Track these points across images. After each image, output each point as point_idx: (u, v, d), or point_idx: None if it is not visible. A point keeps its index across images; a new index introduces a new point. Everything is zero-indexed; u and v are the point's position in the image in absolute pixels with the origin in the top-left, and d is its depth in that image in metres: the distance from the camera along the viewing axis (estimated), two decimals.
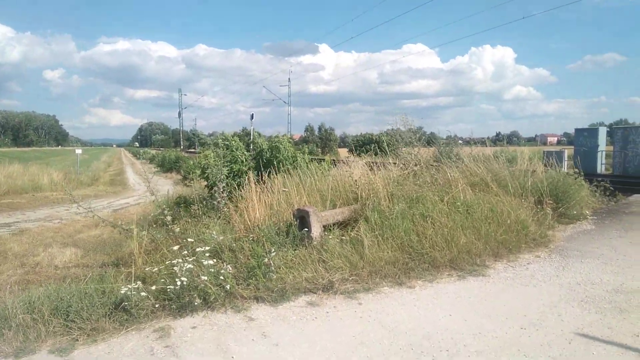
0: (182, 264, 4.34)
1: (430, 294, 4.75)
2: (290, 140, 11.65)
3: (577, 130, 22.47)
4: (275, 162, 9.31)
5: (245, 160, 9.61)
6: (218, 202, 7.87)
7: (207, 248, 4.74)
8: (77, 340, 3.79)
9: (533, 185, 7.58)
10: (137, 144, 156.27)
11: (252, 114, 54.20)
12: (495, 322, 4.05)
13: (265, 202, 6.74)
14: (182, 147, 67.61)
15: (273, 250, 4.96)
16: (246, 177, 8.71)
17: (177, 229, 6.60)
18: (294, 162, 9.63)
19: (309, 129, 67.49)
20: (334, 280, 4.85)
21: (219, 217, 7.35)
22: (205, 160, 9.62)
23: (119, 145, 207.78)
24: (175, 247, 4.82)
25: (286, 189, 7.07)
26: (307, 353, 3.54)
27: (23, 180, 24.90)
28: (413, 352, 3.55)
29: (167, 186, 22.65)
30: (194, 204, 8.69)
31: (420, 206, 6.29)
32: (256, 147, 10.71)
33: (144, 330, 3.95)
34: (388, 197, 6.66)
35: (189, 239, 5.26)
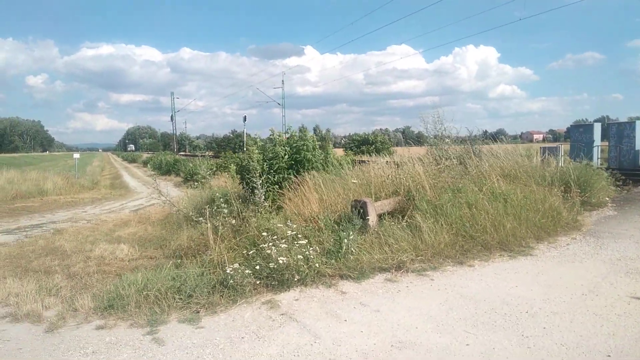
0: (277, 246, 4.84)
1: (490, 271, 5.32)
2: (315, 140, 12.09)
3: (572, 126, 23.31)
4: (305, 162, 9.76)
5: (284, 157, 9.99)
6: (259, 197, 8.34)
7: (294, 233, 5.25)
8: (199, 312, 4.29)
9: (558, 175, 8.22)
10: (132, 146, 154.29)
11: (245, 116, 54.21)
12: (558, 291, 4.62)
13: (318, 197, 7.24)
14: (176, 150, 67.56)
15: (351, 234, 5.48)
16: (286, 174, 9.21)
17: (235, 221, 7.12)
18: (326, 161, 10.13)
19: (302, 130, 67.74)
20: (404, 260, 5.39)
21: (259, 211, 7.82)
22: (248, 159, 9.94)
23: (105, 150, 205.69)
24: (264, 232, 5.31)
25: (355, 181, 7.58)
26: (407, 316, 4.08)
27: (27, 185, 25.00)
28: (497, 314, 4.11)
29: (169, 188, 22.97)
30: (232, 201, 9.11)
31: (463, 195, 6.85)
32: (285, 147, 11.14)
33: (254, 304, 4.46)
34: (430, 189, 7.22)
35: (265, 229, 5.75)
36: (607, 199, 8.66)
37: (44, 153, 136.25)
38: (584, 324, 3.85)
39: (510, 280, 4.99)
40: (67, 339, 3.89)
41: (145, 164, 58.15)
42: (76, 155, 38.78)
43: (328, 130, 65.17)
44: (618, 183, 9.79)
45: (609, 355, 3.30)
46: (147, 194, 24.17)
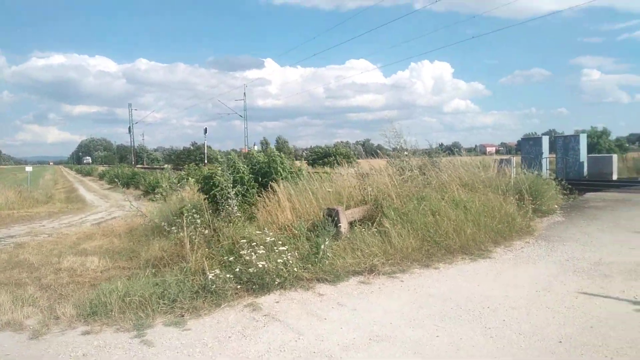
0: (256, 252, 5.08)
1: (454, 272, 5.74)
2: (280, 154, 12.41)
3: (522, 139, 24.61)
4: (274, 173, 10.07)
5: (245, 171, 10.30)
6: (232, 208, 8.55)
7: (272, 239, 5.50)
8: (183, 316, 4.47)
9: (512, 185, 8.86)
10: (88, 159, 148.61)
11: (206, 129, 53.85)
12: (515, 289, 5.08)
13: (290, 206, 7.52)
14: (134, 163, 66.03)
15: (327, 240, 5.78)
16: (250, 187, 9.47)
17: (207, 231, 7.29)
18: (297, 173, 10.47)
19: (264, 143, 68.19)
20: (375, 263, 5.75)
21: (232, 221, 8.02)
22: (212, 173, 10.14)
23: (56, 163, 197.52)
24: (243, 241, 5.54)
25: (330, 190, 7.88)
26: (382, 314, 4.42)
27: None
28: (462, 309, 4.50)
29: (127, 202, 22.58)
30: (203, 212, 9.25)
31: (427, 204, 7.31)
32: (252, 160, 11.41)
33: (236, 307, 4.68)
34: (396, 197, 7.64)
35: (241, 237, 5.97)
36: (556, 206, 9.40)
37: None
38: (539, 316, 4.29)
39: (473, 280, 5.42)
40: (54, 344, 3.98)
41: (101, 177, 56.45)
42: (28, 169, 37.43)
43: (285, 141, 65.45)
44: (565, 192, 10.58)
45: (560, 341, 3.73)
46: (106, 207, 23.65)
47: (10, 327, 4.44)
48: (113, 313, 4.52)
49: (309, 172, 10.38)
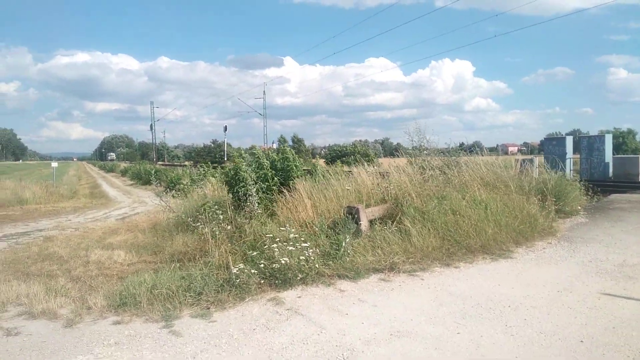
0: (282, 248, 5.20)
1: (474, 272, 5.77)
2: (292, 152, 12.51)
3: (545, 139, 24.25)
4: (291, 172, 10.19)
5: (268, 167, 10.41)
6: (253, 205, 8.69)
7: (295, 236, 5.61)
8: (209, 308, 4.61)
9: (535, 185, 8.80)
10: (113, 155, 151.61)
11: (225, 126, 54.37)
12: (536, 288, 5.09)
13: (311, 203, 7.62)
14: (155, 159, 67.07)
15: (347, 237, 5.87)
16: (272, 183, 9.59)
17: (230, 227, 7.43)
18: (312, 170, 10.56)
19: (282, 140, 68.34)
20: (395, 261, 5.81)
21: (253, 218, 8.16)
22: (237, 168, 10.29)
23: (80, 159, 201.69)
24: (269, 236, 5.67)
25: (349, 187, 7.98)
26: (402, 311, 4.48)
27: (6, 194, 24.69)
28: (483, 308, 4.54)
29: (149, 198, 22.99)
30: (225, 209, 9.42)
31: (447, 203, 7.32)
32: (270, 157, 11.54)
33: (260, 301, 4.80)
34: (417, 196, 7.68)
35: (265, 233, 6.10)
36: (580, 207, 9.30)
37: (17, 162, 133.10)
38: (560, 316, 4.30)
39: (493, 279, 5.44)
40: (87, 333, 4.16)
41: (123, 173, 57.55)
42: (54, 164, 38.32)
43: (302, 140, 65.60)
44: (589, 193, 10.44)
45: (581, 341, 3.74)
46: (129, 203, 24.14)
47: (45, 316, 4.65)
48: (142, 304, 4.69)
49: (327, 170, 10.45)
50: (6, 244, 10.50)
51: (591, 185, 10.67)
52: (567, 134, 25.61)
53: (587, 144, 21.04)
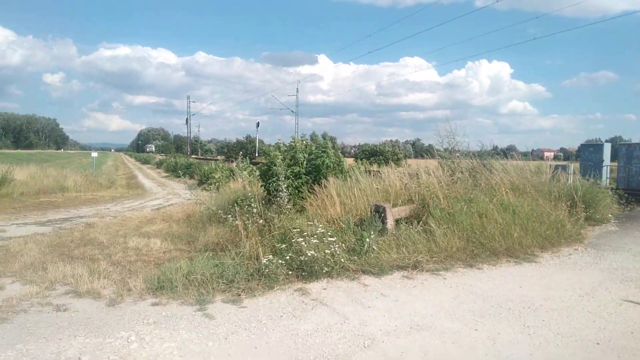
0: (309, 241, 5.45)
1: (497, 274, 5.88)
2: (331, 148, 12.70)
3: (582, 145, 23.66)
4: (323, 168, 10.37)
5: (302, 163, 10.64)
6: (283, 200, 8.97)
7: (323, 231, 5.85)
8: (240, 295, 4.91)
9: (565, 191, 8.78)
10: (152, 147, 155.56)
11: (258, 122, 55.01)
12: (557, 292, 5.17)
13: (340, 200, 7.85)
14: (190, 153, 68.65)
15: (373, 234, 6.08)
16: (304, 180, 9.84)
17: (261, 220, 7.73)
18: (340, 167, 10.74)
19: (313, 138, 68.79)
20: (419, 260, 5.98)
21: (283, 212, 8.43)
22: (269, 164, 10.55)
23: (117, 150, 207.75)
24: (296, 230, 5.93)
25: (378, 187, 8.19)
26: (423, 306, 4.66)
27: (49, 181, 25.83)
28: (502, 308, 4.67)
29: (183, 190, 23.67)
30: (256, 203, 9.73)
31: (474, 206, 7.42)
32: (306, 150, 11.73)
33: (287, 290, 5.08)
34: (444, 198, 7.80)
35: (295, 227, 6.36)
36: (611, 215, 9.21)
37: (59, 151, 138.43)
38: (579, 319, 4.40)
39: (515, 282, 5.54)
40: (128, 312, 4.52)
41: (158, 165, 59.18)
42: (94, 154, 39.74)
43: (334, 138, 65.72)
44: (622, 201, 10.29)
45: (597, 343, 3.85)
46: (164, 194, 24.89)
47: (90, 295, 5.05)
48: (178, 289, 5.03)
49: (358, 167, 10.63)
50: (51, 228, 11.14)
51: (626, 194, 10.50)
52: (607, 141, 24.86)
53: (626, 152, 20.42)
